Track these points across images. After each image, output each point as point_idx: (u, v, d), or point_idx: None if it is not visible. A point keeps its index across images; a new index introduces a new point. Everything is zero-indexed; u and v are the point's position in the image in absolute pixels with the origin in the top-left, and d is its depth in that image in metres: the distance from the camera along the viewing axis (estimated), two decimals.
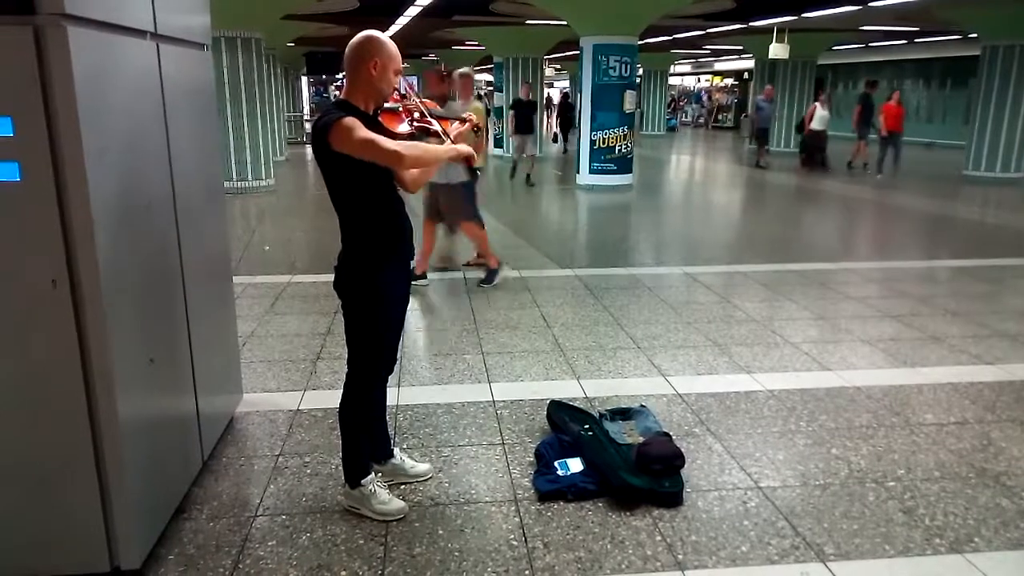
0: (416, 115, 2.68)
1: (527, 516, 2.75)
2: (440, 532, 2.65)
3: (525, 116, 13.16)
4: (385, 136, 2.49)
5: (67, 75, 1.94)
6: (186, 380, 2.82)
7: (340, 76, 27.66)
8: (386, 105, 2.62)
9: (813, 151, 15.45)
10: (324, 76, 32.01)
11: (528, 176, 13.19)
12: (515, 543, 2.58)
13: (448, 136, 2.68)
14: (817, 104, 15.38)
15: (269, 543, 2.58)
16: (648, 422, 3.38)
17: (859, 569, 2.45)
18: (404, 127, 2.62)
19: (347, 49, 2.50)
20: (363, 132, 2.36)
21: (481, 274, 6.19)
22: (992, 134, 13.76)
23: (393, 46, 2.52)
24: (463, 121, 2.79)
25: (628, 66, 12.53)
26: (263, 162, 12.10)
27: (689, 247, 8.28)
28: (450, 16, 15.15)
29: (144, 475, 2.37)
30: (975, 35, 14.71)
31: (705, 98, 35.27)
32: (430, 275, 6.21)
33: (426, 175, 2.76)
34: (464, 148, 2.62)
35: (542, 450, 3.12)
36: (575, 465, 2.98)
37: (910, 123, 24.22)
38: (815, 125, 15.28)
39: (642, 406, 3.57)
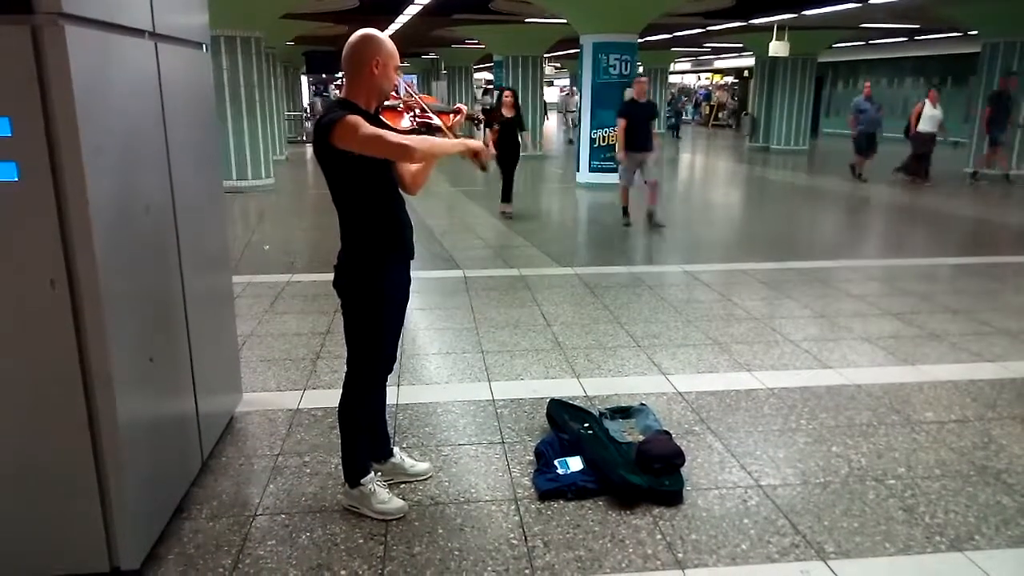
0: (416, 111, 2.68)
1: (527, 515, 2.75)
2: (440, 531, 2.65)
3: (643, 126, 8.59)
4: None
5: (65, 75, 1.94)
6: (185, 380, 2.82)
7: (340, 75, 27.67)
8: (386, 103, 2.62)
9: (920, 158, 12.82)
10: (324, 75, 32.02)
11: (651, 214, 8.81)
12: (515, 542, 2.58)
13: (451, 131, 2.68)
14: (926, 101, 12.65)
15: (269, 542, 2.58)
16: (648, 420, 3.38)
17: (860, 567, 2.45)
18: (406, 123, 2.62)
19: (346, 48, 2.50)
20: (369, 128, 2.35)
21: None
22: None
23: (392, 44, 2.52)
24: (456, 112, 2.77)
25: (628, 64, 12.52)
26: (263, 161, 12.10)
27: (689, 246, 8.27)
28: (450, 15, 15.14)
29: (143, 475, 2.37)
30: (975, 32, 14.69)
31: (704, 101, 35.05)
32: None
33: (426, 174, 2.75)
34: (475, 143, 2.61)
35: (542, 449, 3.11)
36: (575, 464, 2.98)
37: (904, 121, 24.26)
38: (924, 127, 12.59)
39: (642, 404, 3.57)
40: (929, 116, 12.58)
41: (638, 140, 8.54)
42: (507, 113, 9.23)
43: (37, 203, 2.01)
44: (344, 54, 2.50)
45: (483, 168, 2.66)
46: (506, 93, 9.58)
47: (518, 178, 9.80)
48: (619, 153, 8.79)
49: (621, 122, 8.61)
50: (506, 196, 9.57)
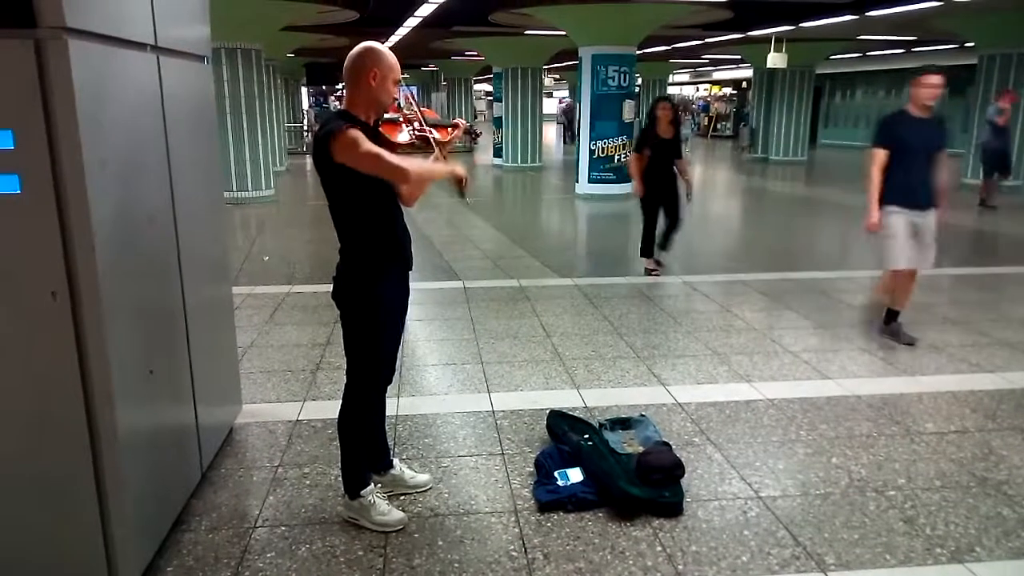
0: (416, 125, 2.69)
1: (527, 527, 2.74)
2: (440, 543, 2.64)
3: (924, 161, 4.65)
4: (385, 145, 2.50)
5: (68, 88, 1.95)
6: (185, 391, 2.82)
7: (340, 86, 27.80)
8: (385, 116, 2.64)
9: None
10: (324, 86, 32.19)
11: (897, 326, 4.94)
12: (515, 554, 2.58)
13: (448, 145, 2.69)
14: None
15: (268, 554, 2.57)
16: (648, 432, 3.38)
17: None
18: (404, 136, 2.63)
19: (346, 60, 2.52)
20: (368, 145, 2.36)
21: None
22: None
23: (392, 57, 2.54)
24: (454, 127, 2.79)
25: (627, 76, 12.59)
26: (263, 172, 12.13)
27: (688, 257, 8.28)
28: (449, 27, 15.20)
29: (143, 487, 2.37)
30: (972, 44, 14.77)
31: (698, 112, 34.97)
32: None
33: (423, 188, 2.76)
34: (460, 170, 2.63)
35: (542, 460, 3.11)
36: (575, 475, 2.97)
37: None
38: None
39: (642, 415, 3.57)
40: None
41: (914, 187, 4.61)
42: (664, 134, 6.47)
43: (39, 215, 2.01)
44: (345, 65, 2.53)
45: (462, 195, 2.71)
46: (662, 105, 6.57)
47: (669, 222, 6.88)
48: (873, 214, 4.64)
49: (879, 155, 4.63)
50: (664, 245, 6.92)
